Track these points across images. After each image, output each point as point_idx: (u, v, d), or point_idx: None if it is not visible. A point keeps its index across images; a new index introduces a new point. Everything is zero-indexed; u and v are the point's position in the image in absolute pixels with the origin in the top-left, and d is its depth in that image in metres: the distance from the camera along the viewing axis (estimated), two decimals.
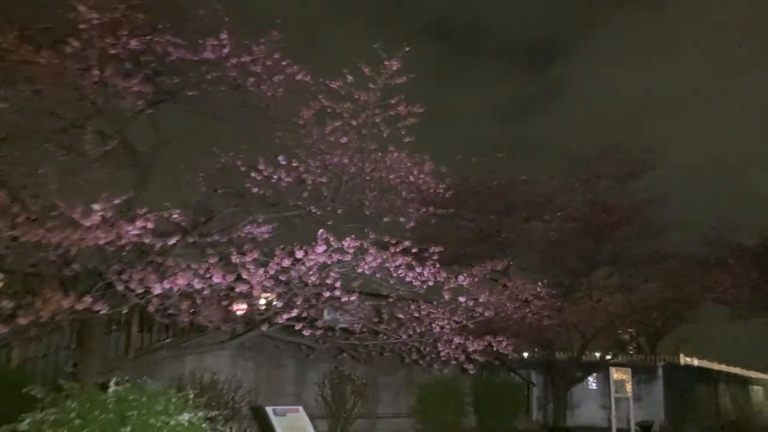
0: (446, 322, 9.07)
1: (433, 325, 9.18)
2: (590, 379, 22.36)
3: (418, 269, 8.35)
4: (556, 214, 16.44)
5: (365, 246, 7.75)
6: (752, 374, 47.83)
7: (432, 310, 9.13)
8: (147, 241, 5.97)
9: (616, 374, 19.87)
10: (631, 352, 31.92)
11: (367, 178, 9.22)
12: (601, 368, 21.01)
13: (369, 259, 7.79)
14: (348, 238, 7.57)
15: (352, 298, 8.74)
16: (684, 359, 28.38)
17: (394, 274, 8.10)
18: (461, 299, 8.68)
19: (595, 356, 22.21)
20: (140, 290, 6.16)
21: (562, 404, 18.96)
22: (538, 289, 10.32)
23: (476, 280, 9.87)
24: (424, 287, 8.76)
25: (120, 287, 6.14)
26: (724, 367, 36.10)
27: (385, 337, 10.52)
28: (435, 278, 8.32)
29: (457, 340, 9.15)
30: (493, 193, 16.88)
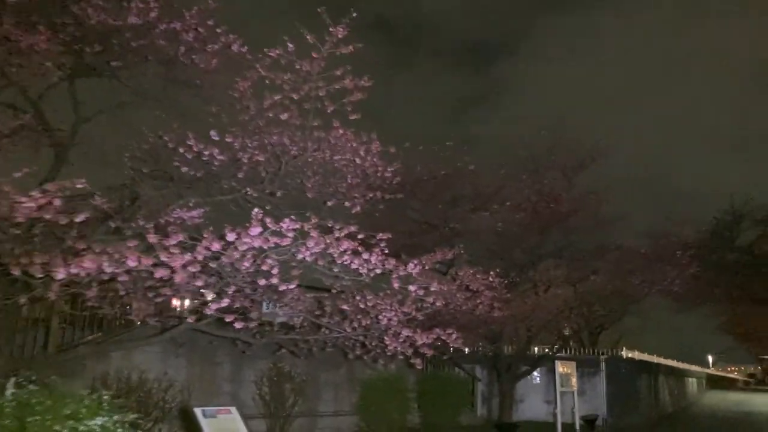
0: (394, 313, 8.43)
1: (380, 317, 8.53)
2: (535, 373, 22.18)
3: (365, 255, 7.68)
4: (503, 205, 15.99)
5: (306, 229, 7.02)
6: (687, 367, 49.26)
7: (379, 301, 8.46)
8: (48, 217, 5.10)
9: (561, 368, 19.70)
10: (573, 347, 32.23)
11: (310, 159, 8.50)
12: (546, 362, 20.84)
13: (311, 243, 7.06)
14: (287, 220, 6.82)
15: (291, 287, 8.00)
16: (626, 352, 28.63)
17: (339, 261, 7.41)
18: (411, 288, 8.04)
19: (542, 350, 22.03)
20: (40, 275, 5.30)
21: (507, 399, 18.66)
22: (490, 279, 9.81)
23: (426, 268, 9.31)
24: (371, 275, 8.10)
25: (16, 272, 5.27)
26: (662, 360, 36.81)
27: (327, 332, 9.83)
28: (383, 266, 7.66)
29: (405, 333, 8.51)
30: (441, 183, 16.36)
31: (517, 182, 16.27)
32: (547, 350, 20.32)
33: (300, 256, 6.97)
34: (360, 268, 7.47)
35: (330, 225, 7.71)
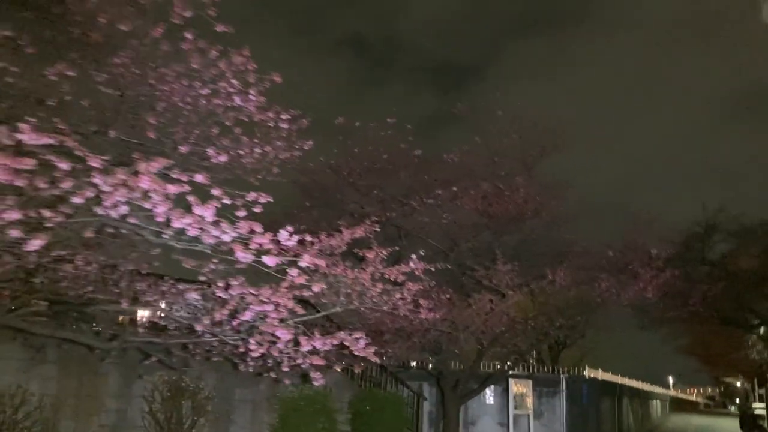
0: (270, 308, 5.93)
1: (248, 313, 6.03)
2: (488, 392, 19.77)
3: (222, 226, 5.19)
4: (453, 199, 13.59)
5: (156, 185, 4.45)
6: (652, 388, 47.44)
7: (248, 291, 5.92)
8: None
9: (515, 387, 17.40)
10: (532, 363, 30.00)
11: (157, 92, 6.00)
12: (499, 380, 18.44)
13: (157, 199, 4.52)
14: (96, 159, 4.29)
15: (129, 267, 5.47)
16: (588, 372, 26.42)
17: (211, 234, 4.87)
18: (292, 273, 5.56)
19: (495, 367, 19.56)
20: None
21: (453, 421, 16.19)
22: (412, 266, 7.39)
23: (336, 252, 6.90)
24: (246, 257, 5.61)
25: None
26: (627, 381, 34.72)
27: (200, 334, 7.29)
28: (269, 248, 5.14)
29: (283, 335, 5.99)
30: (383, 170, 13.98)
31: (470, 172, 13.89)
32: (503, 366, 17.90)
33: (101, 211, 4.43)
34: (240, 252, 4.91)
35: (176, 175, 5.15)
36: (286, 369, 7.72)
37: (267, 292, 5.72)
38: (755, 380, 51.55)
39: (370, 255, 6.78)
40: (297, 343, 6.66)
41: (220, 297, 6.02)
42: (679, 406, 72.27)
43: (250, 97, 6.74)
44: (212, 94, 6.37)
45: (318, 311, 8.27)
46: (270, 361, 7.60)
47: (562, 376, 22.30)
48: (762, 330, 31.43)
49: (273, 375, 8.21)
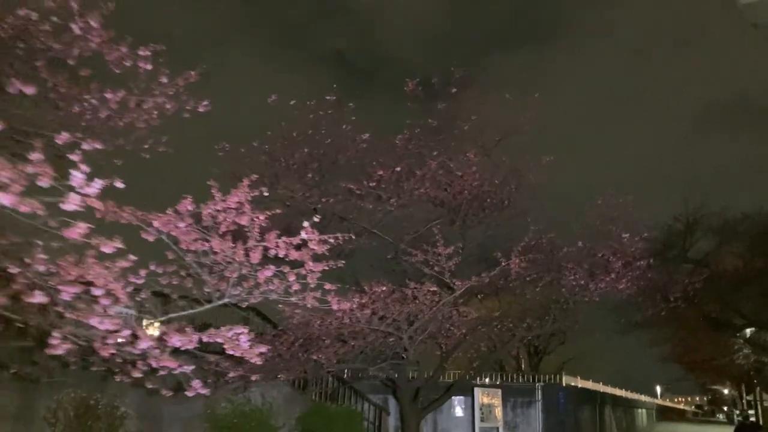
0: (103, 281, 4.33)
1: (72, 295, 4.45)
2: (456, 403, 18.17)
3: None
4: (399, 183, 11.87)
5: None
6: (637, 397, 45.94)
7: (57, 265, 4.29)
8: None
9: (482, 397, 15.80)
10: (506, 372, 28.40)
11: None
12: (465, 390, 16.83)
13: None
14: None
15: None
16: (566, 380, 24.85)
17: None
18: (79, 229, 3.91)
19: (461, 376, 17.91)
20: None
21: None
22: (312, 234, 5.80)
23: (220, 226, 5.32)
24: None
25: None
26: (609, 389, 33.16)
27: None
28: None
29: (100, 324, 4.35)
30: (313, 154, 12.34)
31: (417, 152, 12.22)
32: (470, 375, 16.29)
33: None
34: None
35: None
36: (162, 374, 6.16)
37: (72, 268, 4.11)
38: (743, 387, 50.22)
39: (242, 220, 5.21)
40: (159, 340, 5.09)
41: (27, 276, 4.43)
42: (666, 415, 70.82)
43: (91, 24, 5.20)
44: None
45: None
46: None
47: (537, 384, 20.75)
48: (748, 333, 30.15)
49: (150, 385, 6.58)
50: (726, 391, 74.64)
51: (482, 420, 15.35)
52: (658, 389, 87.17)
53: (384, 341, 10.72)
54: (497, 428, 15.78)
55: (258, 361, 5.47)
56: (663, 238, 24.07)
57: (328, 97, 12.08)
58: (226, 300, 6.37)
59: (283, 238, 5.35)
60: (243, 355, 5.50)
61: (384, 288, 9.26)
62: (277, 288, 6.20)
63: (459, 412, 18.57)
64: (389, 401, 18.10)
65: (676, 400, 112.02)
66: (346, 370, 16.61)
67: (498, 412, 15.86)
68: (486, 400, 15.66)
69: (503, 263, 9.57)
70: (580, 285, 11.91)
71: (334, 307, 6.32)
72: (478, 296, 13.29)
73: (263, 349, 5.45)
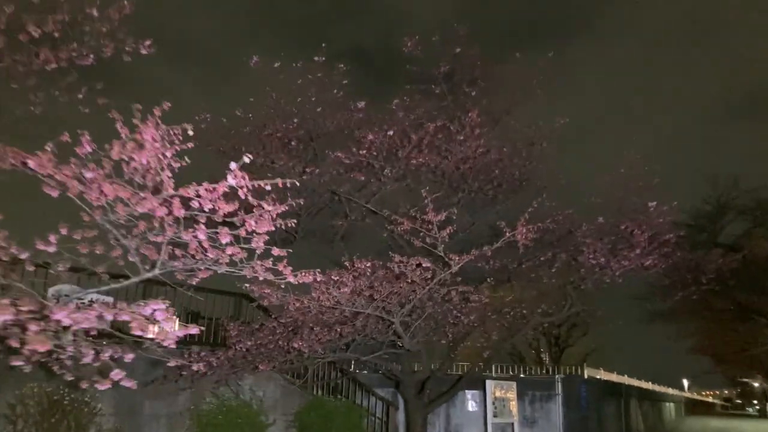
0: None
1: None
2: (469, 397, 16.88)
3: None
4: (392, 150, 10.43)
5: None
6: (664, 390, 44.18)
7: None
8: None
9: (495, 391, 14.52)
10: (528, 365, 27.04)
11: None
12: (475, 383, 15.54)
13: None
14: None
15: None
16: (589, 372, 23.41)
17: None
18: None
19: (477, 368, 16.60)
20: None
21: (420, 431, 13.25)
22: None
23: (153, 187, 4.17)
24: None
25: None
26: (635, 382, 31.55)
27: None
28: None
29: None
30: (307, 123, 11.05)
31: (414, 118, 10.80)
32: (476, 367, 14.98)
33: None
34: None
35: None
36: (88, 361, 5.10)
37: None
38: None
39: (142, 156, 4.00)
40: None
41: None
42: (694, 408, 68.82)
43: None
44: None
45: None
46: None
47: (557, 377, 19.38)
48: None
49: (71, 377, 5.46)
50: (757, 384, 72.39)
51: (495, 415, 14.08)
52: (686, 382, 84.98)
53: (376, 327, 9.49)
54: (512, 424, 14.50)
55: (171, 345, 4.30)
56: (691, 220, 22.56)
57: (316, 58, 10.84)
58: (156, 272, 5.22)
59: (204, 184, 4.15)
60: (156, 338, 4.37)
61: (369, 264, 8.04)
62: (219, 258, 5.04)
63: (472, 406, 17.28)
64: (398, 395, 16.91)
65: (704, 393, 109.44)
66: (353, 362, 15.41)
67: (513, 406, 14.57)
68: (499, 394, 14.37)
69: (507, 233, 8.24)
70: (600, 264, 10.58)
71: (290, 279, 5.14)
72: (489, 280, 11.92)
73: (180, 333, 4.32)
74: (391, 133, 9.97)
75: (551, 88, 12.26)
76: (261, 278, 5.28)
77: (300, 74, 11.11)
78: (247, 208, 5.12)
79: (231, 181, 4.15)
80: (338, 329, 8.95)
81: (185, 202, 4.52)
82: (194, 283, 5.73)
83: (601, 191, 11.50)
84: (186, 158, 4.45)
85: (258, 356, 9.60)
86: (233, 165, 4.13)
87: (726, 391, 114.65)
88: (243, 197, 4.25)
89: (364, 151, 10.08)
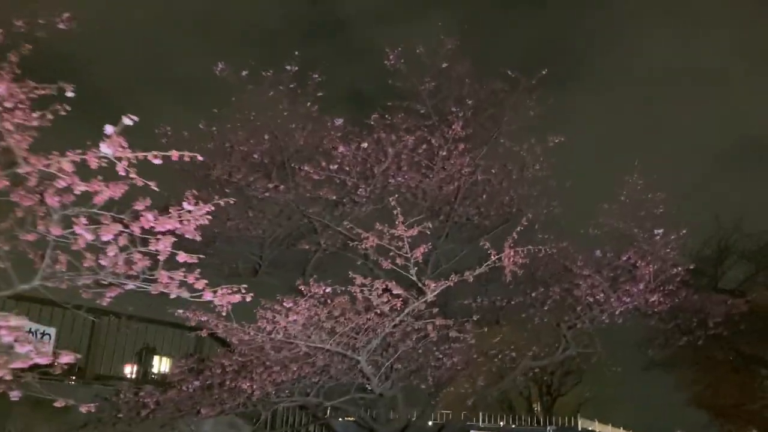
0: None
1: None
2: None
3: None
4: (366, 164, 9.32)
5: None
6: None
7: None
8: None
9: None
10: (519, 415, 25.49)
11: None
12: None
13: None
14: None
15: None
16: (583, 423, 21.98)
17: None
18: None
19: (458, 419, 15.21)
20: None
21: None
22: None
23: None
24: None
25: None
26: None
27: None
28: None
29: None
30: (275, 138, 9.94)
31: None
32: (465, 416, 13.65)
33: None
34: None
35: None
36: None
37: None
38: None
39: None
40: None
41: None
42: None
43: None
44: None
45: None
46: None
47: (549, 428, 18.02)
48: None
49: None
50: None
51: None
52: None
53: (341, 367, 8.24)
54: None
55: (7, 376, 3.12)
56: (691, 264, 21.37)
57: (288, 67, 9.83)
58: (35, 284, 4.06)
59: (69, 153, 3.04)
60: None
61: (329, 289, 6.86)
62: (114, 266, 3.89)
63: None
64: None
65: None
66: (328, 407, 14.02)
67: None
68: None
69: (493, 256, 7.06)
70: (597, 300, 9.43)
71: (208, 296, 4.00)
72: (474, 317, 10.72)
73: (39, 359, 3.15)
74: (365, 145, 8.90)
75: (548, 122, 11.34)
76: (173, 296, 4.13)
77: (271, 85, 10.10)
78: (167, 207, 4.02)
79: (105, 149, 3.01)
80: (294, 368, 7.71)
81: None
82: (104, 303, 4.59)
83: (599, 221, 10.41)
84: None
85: (204, 399, 8.31)
86: (109, 128, 3.01)
87: None
88: (123, 173, 3.12)
89: (335, 167, 9.00)
